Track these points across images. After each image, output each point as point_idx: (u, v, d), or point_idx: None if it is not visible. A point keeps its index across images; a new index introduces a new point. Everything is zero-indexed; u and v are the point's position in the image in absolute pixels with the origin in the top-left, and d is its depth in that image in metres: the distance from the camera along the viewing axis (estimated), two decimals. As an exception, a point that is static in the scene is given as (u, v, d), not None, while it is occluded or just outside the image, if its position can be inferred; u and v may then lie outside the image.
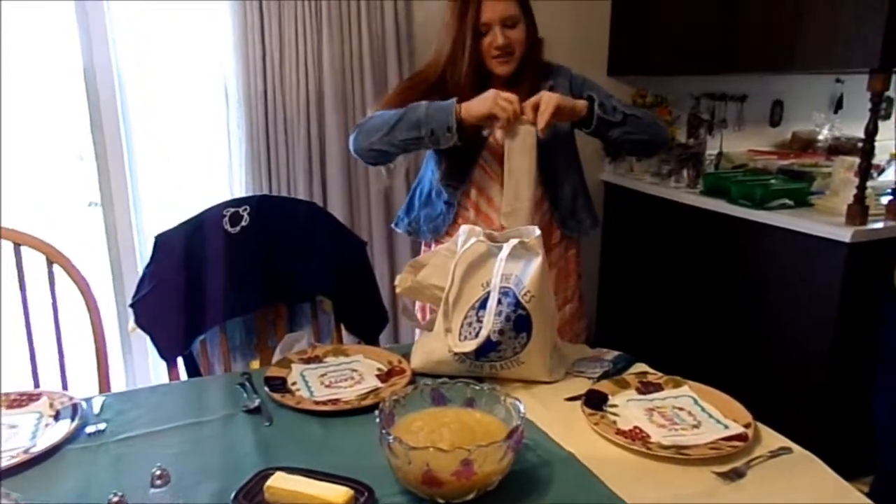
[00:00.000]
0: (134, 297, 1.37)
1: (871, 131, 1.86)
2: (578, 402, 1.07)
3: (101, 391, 1.34)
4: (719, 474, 0.89)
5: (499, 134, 1.44)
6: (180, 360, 1.45)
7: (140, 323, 1.36)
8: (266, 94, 2.16)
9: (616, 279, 2.86)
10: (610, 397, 1.09)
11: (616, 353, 1.28)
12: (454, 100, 1.37)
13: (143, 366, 2.27)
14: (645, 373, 1.19)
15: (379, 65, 2.27)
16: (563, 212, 1.57)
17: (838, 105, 3.09)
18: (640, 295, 2.70)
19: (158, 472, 0.77)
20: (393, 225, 1.69)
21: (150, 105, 2.21)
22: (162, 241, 1.38)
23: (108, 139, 2.14)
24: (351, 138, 1.51)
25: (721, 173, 2.50)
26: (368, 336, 1.57)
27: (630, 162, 2.74)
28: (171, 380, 1.38)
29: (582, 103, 1.42)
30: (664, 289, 2.57)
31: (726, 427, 1.00)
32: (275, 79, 2.15)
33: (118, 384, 2.17)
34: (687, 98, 2.83)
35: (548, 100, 1.33)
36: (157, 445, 0.97)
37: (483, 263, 1.15)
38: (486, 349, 1.10)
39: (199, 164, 2.29)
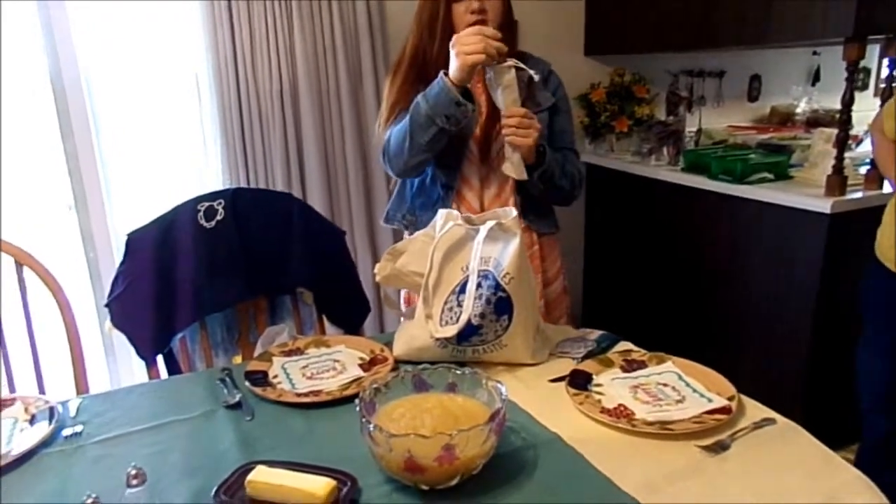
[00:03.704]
0: (108, 296, 1.35)
1: (848, 101, 1.86)
2: (563, 383, 1.06)
3: (78, 393, 1.31)
4: (704, 448, 0.89)
5: (489, 74, 1.33)
6: (160, 359, 1.42)
7: (116, 322, 1.33)
8: (239, 89, 2.12)
9: (601, 259, 2.86)
10: (594, 377, 1.09)
11: (600, 332, 1.27)
12: (440, 75, 1.30)
13: (126, 366, 2.24)
14: (629, 351, 1.19)
15: (353, 56, 2.24)
16: (530, 210, 1.53)
17: (815, 77, 3.10)
18: (626, 273, 2.71)
19: (134, 472, 0.76)
20: (384, 222, 1.61)
21: (120, 105, 2.16)
22: (134, 240, 1.35)
23: (79, 142, 2.09)
24: (385, 164, 1.49)
25: (701, 150, 2.50)
26: (351, 326, 1.55)
27: (610, 142, 2.73)
28: (150, 378, 1.36)
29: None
30: (649, 266, 2.58)
31: (710, 400, 1.00)
32: (247, 72, 2.11)
33: (101, 385, 2.14)
34: (665, 75, 2.82)
35: (535, 129, 1.33)
36: (136, 445, 0.96)
37: (462, 247, 1.14)
38: (468, 333, 1.09)
39: (175, 161, 2.24)
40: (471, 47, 1.24)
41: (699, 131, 2.72)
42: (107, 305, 1.35)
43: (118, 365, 2.23)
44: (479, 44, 1.24)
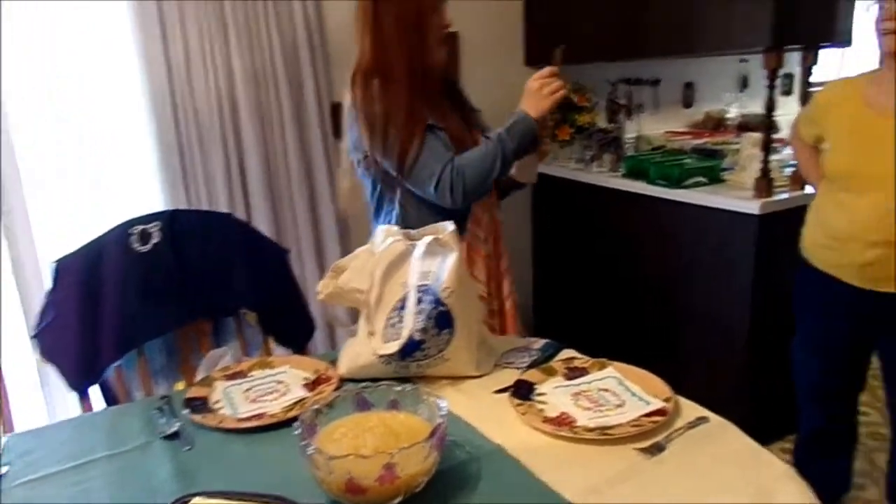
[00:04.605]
0: (35, 327, 1.29)
1: (770, 107, 1.96)
2: (507, 394, 1.07)
3: (4, 431, 1.24)
4: (641, 450, 0.91)
5: None
6: (97, 390, 1.37)
7: (44, 354, 1.28)
8: (175, 107, 2.07)
9: (549, 266, 2.91)
10: (537, 386, 1.10)
11: (544, 341, 1.29)
12: (523, 114, 1.42)
13: (63, 398, 2.14)
14: (572, 358, 1.20)
15: (293, 70, 2.22)
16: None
17: (744, 84, 3.24)
18: (574, 279, 2.76)
19: (59, 514, 0.72)
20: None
21: (47, 127, 2.07)
22: (62, 267, 1.30)
23: (3, 164, 2.00)
24: (454, 199, 1.43)
25: (640, 155, 2.57)
26: (298, 345, 1.53)
27: (553, 150, 2.78)
28: (84, 411, 1.30)
29: None
30: (596, 272, 2.63)
31: (648, 403, 1.02)
32: (183, 90, 2.07)
33: (38, 420, 2.04)
34: (604, 84, 2.90)
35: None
36: (66, 485, 0.91)
37: (402, 263, 1.14)
38: (411, 349, 1.09)
39: (109, 184, 2.16)
40: (555, 86, 1.41)
41: (638, 137, 2.80)
42: (34, 337, 1.29)
43: (53, 398, 2.13)
44: (560, 81, 1.41)
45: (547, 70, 1.42)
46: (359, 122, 1.45)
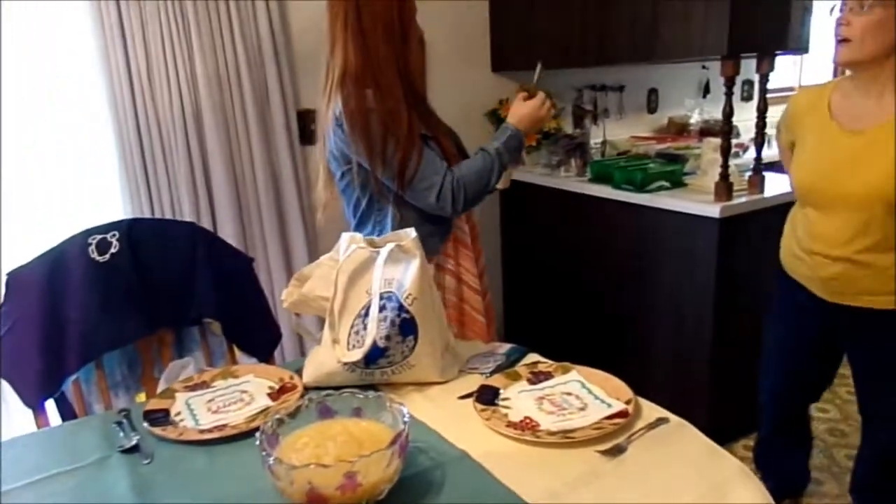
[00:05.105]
0: (-12, 342, 1.25)
1: (728, 113, 2.01)
2: (471, 399, 1.07)
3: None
4: (602, 452, 0.92)
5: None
6: (53, 404, 1.33)
7: (-3, 369, 1.24)
8: (137, 114, 2.03)
9: (518, 270, 2.93)
10: (502, 391, 1.10)
11: (509, 345, 1.30)
12: (515, 129, 1.51)
13: (19, 414, 2.07)
14: (536, 362, 1.21)
15: (258, 77, 2.20)
16: None
17: (706, 90, 3.32)
18: (543, 284, 2.78)
19: (8, 534, 0.70)
20: None
21: (3, 131, 2.01)
22: (16, 279, 1.27)
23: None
24: (455, 209, 1.46)
25: (606, 161, 2.61)
26: (263, 354, 1.51)
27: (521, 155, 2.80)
28: (39, 427, 1.27)
29: None
30: (564, 276, 2.66)
31: (609, 406, 1.03)
32: (144, 97, 2.03)
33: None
34: (570, 90, 2.94)
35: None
36: (22, 502, 0.89)
37: (366, 270, 1.14)
38: (375, 356, 1.09)
39: (70, 194, 2.10)
40: (550, 109, 1.55)
41: (604, 142, 2.84)
42: (-14, 352, 1.25)
43: (9, 414, 2.06)
44: (550, 104, 1.55)
45: (542, 96, 1.53)
46: (353, 134, 1.39)
